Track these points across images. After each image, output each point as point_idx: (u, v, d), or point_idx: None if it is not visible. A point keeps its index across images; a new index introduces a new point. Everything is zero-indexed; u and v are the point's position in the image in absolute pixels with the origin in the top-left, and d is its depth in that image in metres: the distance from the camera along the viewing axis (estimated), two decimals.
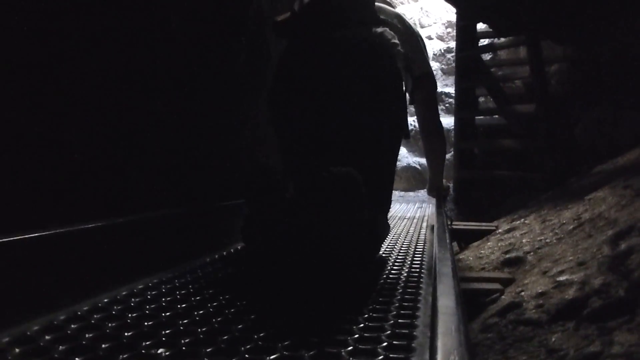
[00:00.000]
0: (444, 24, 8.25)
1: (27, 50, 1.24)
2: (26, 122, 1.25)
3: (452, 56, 7.21)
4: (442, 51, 7.62)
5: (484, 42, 5.34)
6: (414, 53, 2.02)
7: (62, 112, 1.36)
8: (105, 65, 1.51)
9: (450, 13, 8.08)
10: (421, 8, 8.77)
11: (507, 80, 5.10)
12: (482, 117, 5.13)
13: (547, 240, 1.88)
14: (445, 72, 7.34)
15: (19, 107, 1.22)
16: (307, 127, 1.62)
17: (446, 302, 0.65)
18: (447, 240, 1.11)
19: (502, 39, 4.89)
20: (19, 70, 1.22)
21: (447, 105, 6.55)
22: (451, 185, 4.97)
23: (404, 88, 1.72)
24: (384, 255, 1.47)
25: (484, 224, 3.08)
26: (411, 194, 5.84)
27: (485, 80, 5.13)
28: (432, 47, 7.66)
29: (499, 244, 2.29)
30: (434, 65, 7.31)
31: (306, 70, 1.62)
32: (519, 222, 2.67)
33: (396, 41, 1.77)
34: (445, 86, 6.91)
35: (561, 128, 4.16)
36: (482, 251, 2.34)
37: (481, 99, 5.47)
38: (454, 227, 3.00)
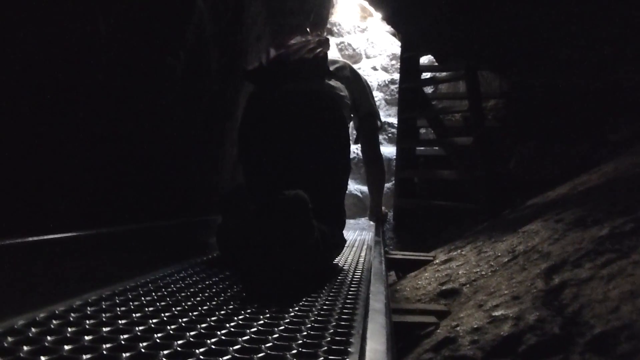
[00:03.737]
0: (389, 56, 8.46)
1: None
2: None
3: (395, 87, 7.38)
4: (386, 82, 7.78)
5: (426, 75, 5.49)
6: (359, 96, 2.45)
7: None
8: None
9: (394, 45, 8.31)
10: (367, 39, 8.97)
11: (447, 112, 5.25)
12: (422, 147, 5.23)
13: (483, 272, 1.86)
14: (388, 103, 7.48)
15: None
16: (269, 161, 1.87)
17: (375, 346, 0.57)
18: (383, 273, 1.04)
19: (444, 73, 5.04)
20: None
21: (389, 135, 6.65)
22: (390, 212, 5.00)
23: (347, 129, 2.00)
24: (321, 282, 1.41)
25: (422, 254, 3.06)
26: (352, 221, 5.81)
27: (426, 112, 5.25)
28: (377, 78, 7.81)
29: (436, 275, 2.26)
30: (378, 95, 7.44)
31: (268, 114, 1.89)
32: (455, 252, 2.66)
33: (343, 93, 2.10)
34: (389, 116, 7.03)
35: (497, 161, 4.29)
36: (419, 282, 2.30)
37: (422, 130, 5.59)
38: (392, 256, 2.97)
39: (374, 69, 8.29)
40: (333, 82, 2.09)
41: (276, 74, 1.95)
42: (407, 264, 2.92)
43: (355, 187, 6.12)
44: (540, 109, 4.20)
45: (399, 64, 6.61)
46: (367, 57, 8.76)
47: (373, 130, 2.80)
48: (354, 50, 8.69)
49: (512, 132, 4.49)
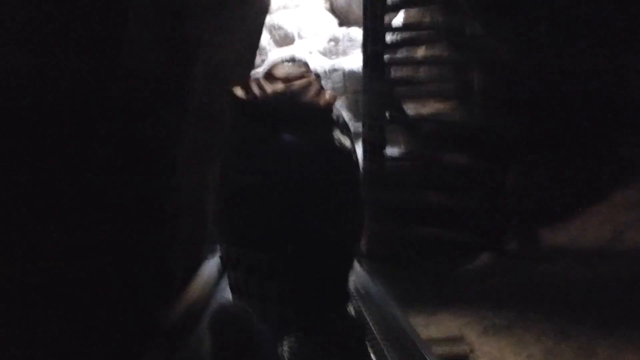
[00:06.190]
0: (328, 38, 7.53)
1: None
2: None
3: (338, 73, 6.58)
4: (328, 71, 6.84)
5: None
6: None
7: None
8: None
9: (333, 26, 7.45)
10: (300, 18, 7.96)
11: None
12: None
13: None
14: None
15: None
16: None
17: None
18: None
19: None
20: None
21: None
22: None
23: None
24: None
25: (451, 340, 2.32)
26: None
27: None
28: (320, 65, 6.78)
29: None
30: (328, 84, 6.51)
31: (265, 166, 1.67)
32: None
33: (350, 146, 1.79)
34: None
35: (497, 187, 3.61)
36: None
37: None
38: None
39: (310, 53, 7.34)
40: (338, 133, 1.76)
41: (277, 117, 1.70)
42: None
43: None
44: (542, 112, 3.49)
45: (339, 46, 5.88)
46: (300, 38, 7.79)
47: None
48: (285, 32, 7.68)
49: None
